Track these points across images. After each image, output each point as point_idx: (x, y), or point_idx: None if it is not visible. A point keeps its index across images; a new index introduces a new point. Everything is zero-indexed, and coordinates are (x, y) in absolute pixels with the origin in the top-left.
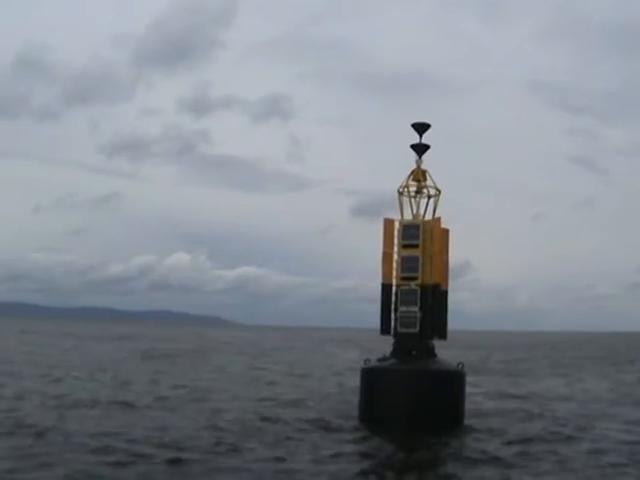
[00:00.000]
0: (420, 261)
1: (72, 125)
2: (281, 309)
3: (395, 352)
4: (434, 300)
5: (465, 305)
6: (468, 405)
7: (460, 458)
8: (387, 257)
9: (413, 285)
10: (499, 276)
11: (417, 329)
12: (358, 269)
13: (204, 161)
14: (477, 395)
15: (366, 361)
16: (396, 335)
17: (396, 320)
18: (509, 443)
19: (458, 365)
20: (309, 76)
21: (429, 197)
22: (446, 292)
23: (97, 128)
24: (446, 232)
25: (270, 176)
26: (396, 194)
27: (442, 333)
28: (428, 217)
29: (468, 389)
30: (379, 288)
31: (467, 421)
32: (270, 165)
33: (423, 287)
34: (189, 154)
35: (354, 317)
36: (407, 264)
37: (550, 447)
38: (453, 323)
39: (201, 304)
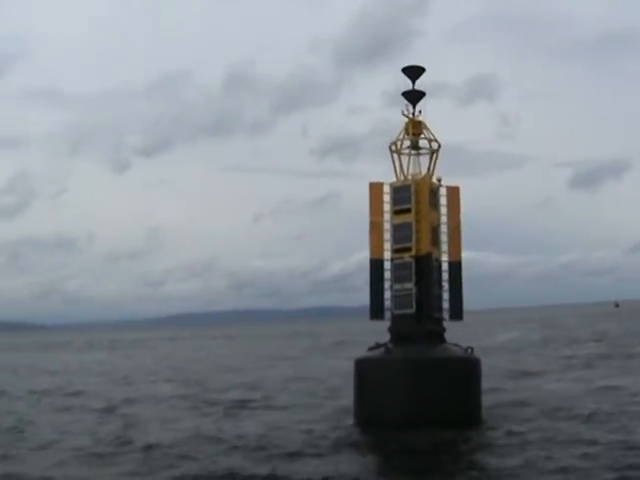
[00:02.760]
0: (413, 228)
1: (283, 133)
2: (504, 290)
3: (391, 338)
4: (437, 273)
5: None
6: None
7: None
8: (375, 227)
9: (407, 257)
10: None
11: (413, 309)
12: (581, 242)
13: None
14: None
15: (370, 348)
16: (392, 318)
17: (391, 300)
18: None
19: (466, 350)
20: (510, 52)
21: (434, 152)
22: (459, 263)
23: (307, 133)
24: (454, 191)
25: (482, 158)
26: (402, 152)
27: (456, 313)
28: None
29: None
30: (604, 260)
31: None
32: (481, 147)
33: (419, 258)
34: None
35: (581, 292)
36: (399, 233)
37: None
38: None
39: None
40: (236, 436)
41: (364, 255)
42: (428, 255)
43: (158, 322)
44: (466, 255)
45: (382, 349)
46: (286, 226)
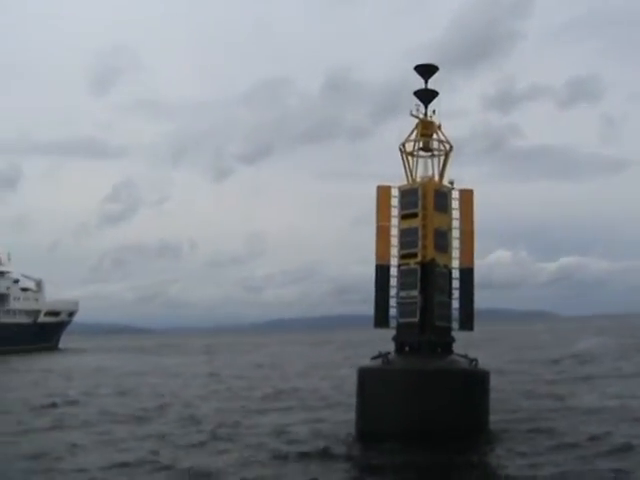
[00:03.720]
0: (419, 233)
1: (381, 139)
2: (606, 297)
3: (395, 348)
4: (444, 280)
5: None
6: None
7: None
8: (382, 232)
9: (412, 264)
10: None
11: (417, 318)
12: None
13: (516, 155)
14: None
15: (373, 357)
16: (397, 326)
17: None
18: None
19: (471, 362)
20: (613, 52)
21: (446, 154)
22: (471, 270)
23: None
24: (467, 194)
25: (585, 161)
26: (399, 152)
27: (466, 322)
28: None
29: None
30: None
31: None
32: (584, 150)
33: (425, 265)
34: (500, 150)
35: None
36: (405, 238)
37: None
38: None
39: (525, 299)
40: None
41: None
42: (431, 261)
43: (259, 327)
44: (569, 260)
45: (383, 359)
46: None
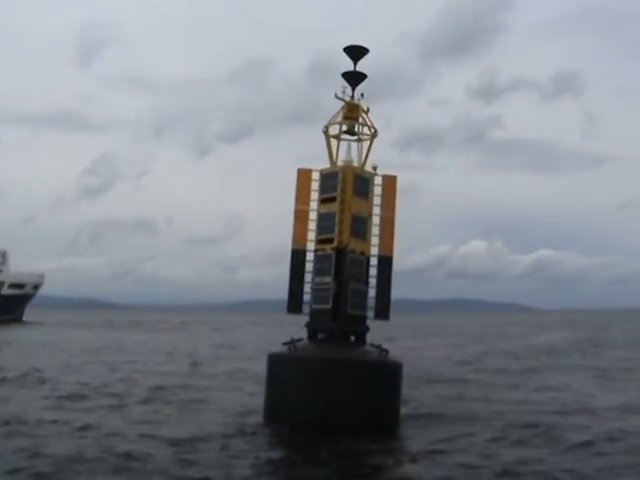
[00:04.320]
0: (337, 218)
1: None
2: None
3: (308, 334)
4: (359, 267)
5: None
6: None
7: None
8: (300, 216)
9: (328, 249)
10: None
11: (330, 305)
12: None
13: (496, 146)
14: None
15: (284, 343)
16: (310, 313)
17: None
18: None
19: (381, 353)
20: (599, 48)
21: (371, 139)
22: (390, 259)
23: (389, 125)
24: (390, 180)
25: (565, 156)
26: (323, 135)
27: (382, 311)
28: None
29: None
30: None
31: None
32: (564, 144)
33: (340, 251)
34: (481, 141)
35: None
36: (323, 223)
37: None
38: None
39: (499, 291)
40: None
41: (441, 249)
42: (347, 248)
43: (233, 307)
44: (545, 253)
45: (291, 345)
46: None
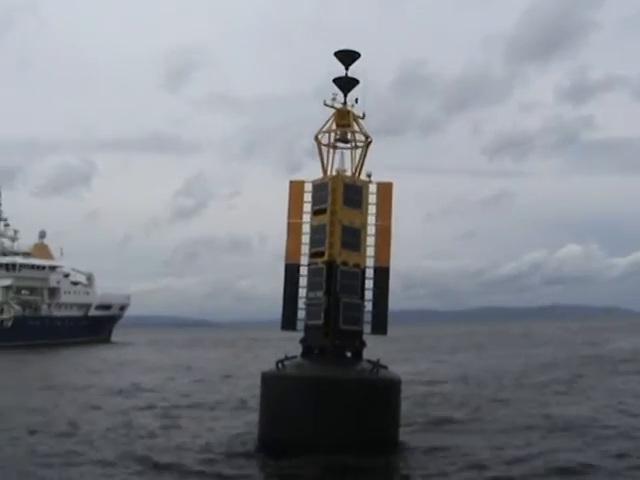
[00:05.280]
0: (327, 230)
1: (454, 132)
2: None
3: (302, 351)
4: (354, 280)
5: None
6: None
7: None
8: (293, 229)
9: (320, 263)
10: None
11: (321, 320)
12: None
13: (589, 148)
14: None
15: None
16: (304, 329)
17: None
18: None
19: (372, 370)
20: None
21: (366, 146)
22: (386, 270)
23: (478, 131)
24: (386, 188)
25: None
26: (314, 143)
27: (379, 326)
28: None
29: None
30: None
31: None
32: None
33: (330, 264)
34: (573, 143)
35: None
36: (315, 235)
37: None
38: None
39: (597, 294)
40: None
41: (536, 255)
42: (334, 261)
43: None
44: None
45: (287, 363)
46: (456, 226)
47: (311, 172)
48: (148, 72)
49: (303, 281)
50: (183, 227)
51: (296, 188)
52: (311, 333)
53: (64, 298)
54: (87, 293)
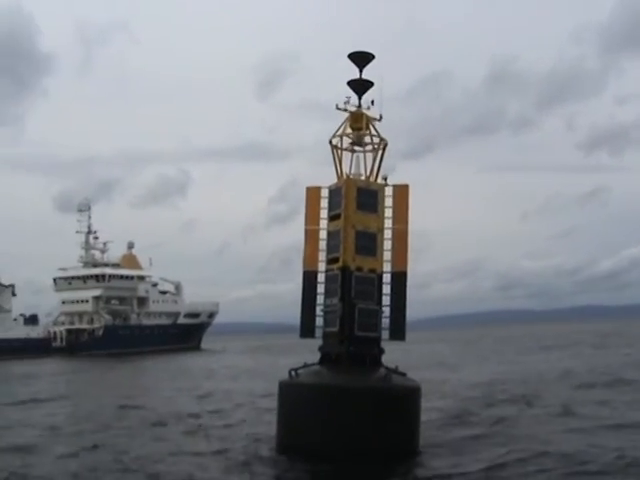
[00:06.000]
0: (341, 235)
1: (547, 128)
2: None
3: (320, 359)
4: (370, 285)
5: None
6: None
7: None
8: (310, 235)
9: (335, 269)
10: None
11: (337, 327)
12: None
13: None
14: None
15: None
16: (322, 336)
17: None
18: None
19: (385, 377)
20: None
21: (383, 149)
22: (403, 274)
23: (572, 126)
24: (402, 190)
25: None
26: (329, 147)
27: (397, 331)
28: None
29: None
30: None
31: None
32: None
33: (344, 270)
34: None
35: None
36: (331, 241)
37: None
38: None
39: None
40: None
41: (636, 251)
42: (348, 266)
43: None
44: None
45: (305, 370)
46: (553, 224)
47: (404, 175)
48: (240, 82)
49: (321, 288)
50: (278, 233)
51: (312, 194)
52: (328, 340)
53: (153, 307)
54: (175, 302)
